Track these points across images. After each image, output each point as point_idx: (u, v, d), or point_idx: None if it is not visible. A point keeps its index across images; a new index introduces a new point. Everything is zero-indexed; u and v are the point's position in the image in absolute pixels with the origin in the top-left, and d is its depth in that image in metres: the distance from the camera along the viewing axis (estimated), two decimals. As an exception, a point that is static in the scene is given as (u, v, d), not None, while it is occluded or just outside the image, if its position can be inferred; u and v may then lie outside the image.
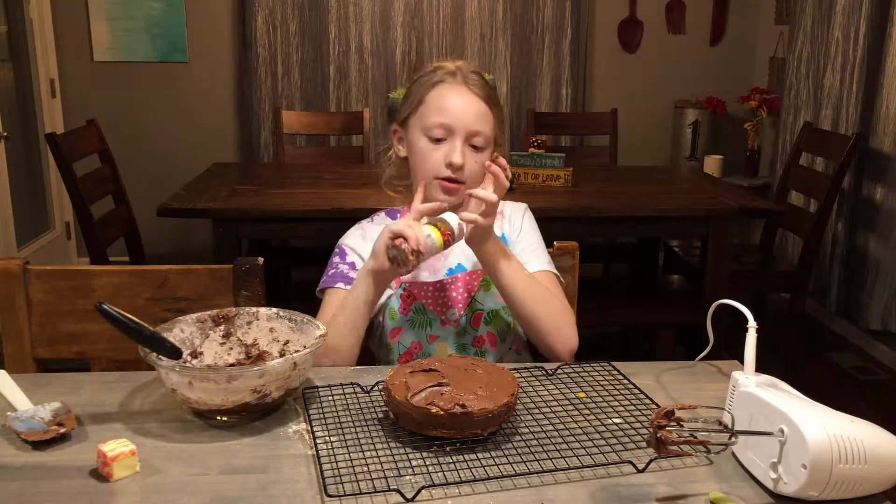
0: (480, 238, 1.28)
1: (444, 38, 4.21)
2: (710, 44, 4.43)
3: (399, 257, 1.19)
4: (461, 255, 1.42)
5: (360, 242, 1.45)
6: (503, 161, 1.29)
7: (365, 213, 1.54)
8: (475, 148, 1.35)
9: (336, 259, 1.44)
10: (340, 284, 1.39)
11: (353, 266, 1.41)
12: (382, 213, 1.51)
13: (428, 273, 1.41)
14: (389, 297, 1.40)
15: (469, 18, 4.20)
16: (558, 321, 1.32)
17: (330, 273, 1.42)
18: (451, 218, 1.24)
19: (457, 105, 1.34)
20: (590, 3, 4.29)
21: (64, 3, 4.05)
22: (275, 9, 4.08)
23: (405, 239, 1.18)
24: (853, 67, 3.46)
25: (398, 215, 1.47)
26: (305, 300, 1.50)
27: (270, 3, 4.07)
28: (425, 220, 1.24)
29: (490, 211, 1.25)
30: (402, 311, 1.39)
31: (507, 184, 1.28)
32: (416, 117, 1.38)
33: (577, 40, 4.28)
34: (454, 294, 1.39)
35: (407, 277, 1.38)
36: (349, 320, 1.28)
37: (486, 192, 1.25)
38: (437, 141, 1.35)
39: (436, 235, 1.20)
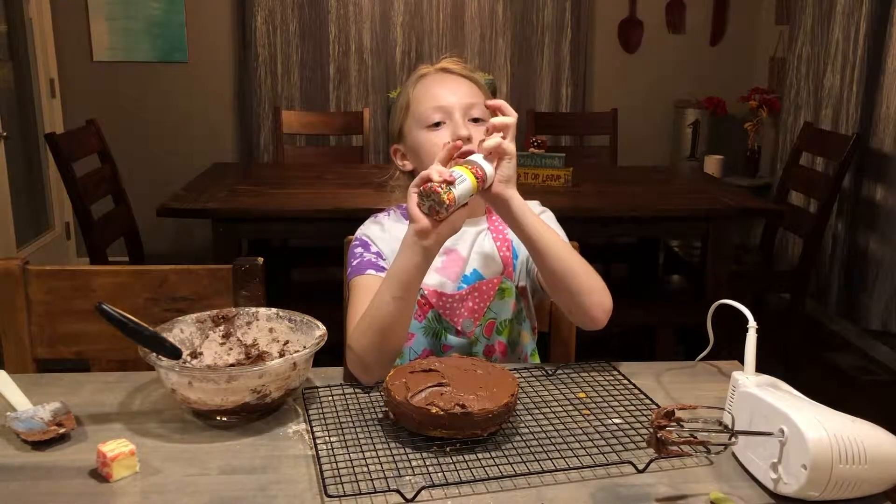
0: (508, 180, 1.17)
1: (444, 38, 4.21)
2: (710, 44, 4.43)
3: (434, 199, 1.10)
4: (477, 261, 1.38)
5: (380, 234, 1.40)
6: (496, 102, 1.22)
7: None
8: (476, 121, 1.32)
9: (360, 249, 1.38)
10: (371, 271, 1.32)
11: (379, 255, 1.36)
12: (395, 207, 1.46)
13: (441, 277, 1.37)
14: None
15: (469, 18, 4.20)
16: (594, 279, 1.22)
17: (354, 263, 1.36)
18: (478, 158, 1.16)
19: (444, 87, 1.33)
20: (590, 3, 4.28)
21: (64, 3, 4.05)
22: (275, 9, 4.08)
23: (430, 179, 1.10)
24: (853, 67, 3.46)
25: None
26: (305, 300, 1.50)
27: (270, 3, 4.06)
28: (453, 163, 1.16)
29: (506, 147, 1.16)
30: (416, 318, 1.35)
31: (513, 116, 1.20)
32: (410, 119, 1.36)
33: (577, 40, 4.27)
34: (471, 304, 1.35)
35: (426, 283, 1.31)
36: (397, 292, 1.17)
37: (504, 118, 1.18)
38: (437, 125, 1.32)
39: (467, 174, 1.12)
